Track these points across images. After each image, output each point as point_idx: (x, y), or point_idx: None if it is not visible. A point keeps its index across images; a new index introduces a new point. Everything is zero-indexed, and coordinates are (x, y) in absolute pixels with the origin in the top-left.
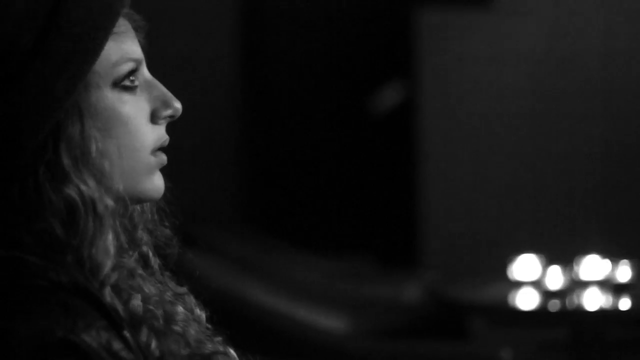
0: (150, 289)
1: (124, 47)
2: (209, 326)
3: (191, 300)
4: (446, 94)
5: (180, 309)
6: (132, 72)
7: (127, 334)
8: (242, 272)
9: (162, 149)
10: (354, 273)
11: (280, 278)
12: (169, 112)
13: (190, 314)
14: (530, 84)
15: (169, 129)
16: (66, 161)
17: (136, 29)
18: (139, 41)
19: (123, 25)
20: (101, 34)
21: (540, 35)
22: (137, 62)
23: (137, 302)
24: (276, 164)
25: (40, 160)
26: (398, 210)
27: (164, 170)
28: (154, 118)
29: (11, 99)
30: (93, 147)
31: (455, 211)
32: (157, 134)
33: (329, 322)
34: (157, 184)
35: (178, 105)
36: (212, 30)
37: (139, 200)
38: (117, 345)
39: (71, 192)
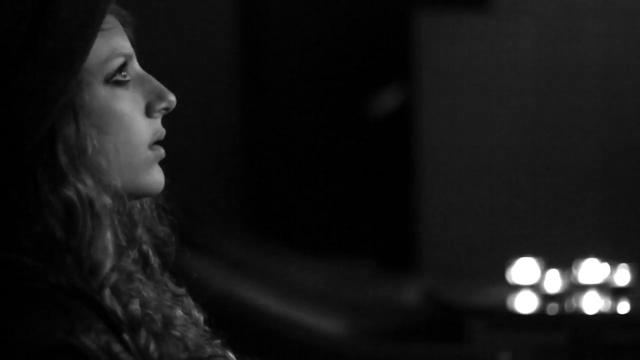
0: (149, 293)
1: (113, 43)
2: (207, 329)
3: (189, 302)
4: (445, 97)
5: (179, 312)
6: (123, 67)
7: (126, 336)
8: (241, 275)
9: (159, 142)
10: (353, 276)
11: (279, 280)
12: (163, 104)
13: (188, 317)
14: (529, 87)
15: (169, 130)
16: (63, 161)
17: (124, 24)
18: (128, 36)
19: (110, 21)
20: (89, 31)
21: (539, 38)
22: (127, 57)
23: (135, 306)
24: (275, 166)
25: (38, 162)
26: (397, 213)
27: (163, 168)
28: (149, 111)
29: (3, 102)
30: (89, 146)
31: (453, 214)
32: (153, 128)
33: (328, 324)
34: (157, 177)
35: (172, 97)
36: (212, 35)
37: (140, 195)
38: (116, 348)
39: (69, 192)
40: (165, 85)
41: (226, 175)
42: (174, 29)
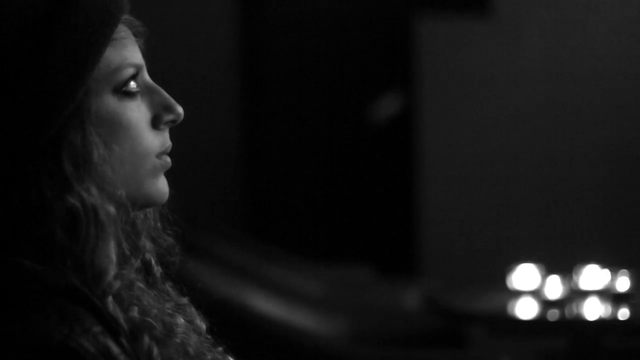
0: (149, 301)
1: (124, 53)
2: (209, 337)
3: (192, 311)
4: (445, 103)
5: (180, 320)
6: (133, 77)
7: (123, 340)
8: (242, 280)
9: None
10: (353, 281)
11: (280, 286)
12: (170, 117)
13: (190, 325)
14: (530, 93)
15: (170, 134)
16: (68, 168)
17: (136, 35)
18: (139, 47)
19: (123, 31)
20: (100, 40)
21: (540, 44)
22: (138, 68)
23: (135, 313)
24: (275, 172)
25: (42, 168)
26: (397, 219)
27: (166, 176)
28: (155, 123)
29: (11, 106)
30: (95, 154)
31: (454, 220)
32: (160, 140)
33: (328, 330)
34: (161, 188)
35: (180, 110)
36: (211, 43)
37: (143, 205)
38: (114, 351)
39: (73, 199)
40: (167, 92)
41: (226, 181)
42: (174, 30)
